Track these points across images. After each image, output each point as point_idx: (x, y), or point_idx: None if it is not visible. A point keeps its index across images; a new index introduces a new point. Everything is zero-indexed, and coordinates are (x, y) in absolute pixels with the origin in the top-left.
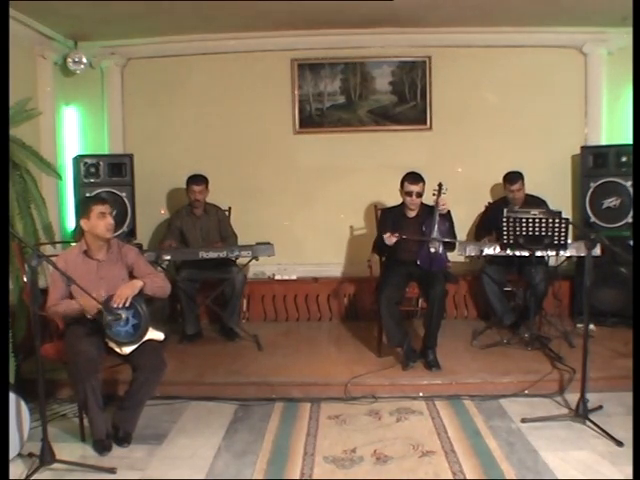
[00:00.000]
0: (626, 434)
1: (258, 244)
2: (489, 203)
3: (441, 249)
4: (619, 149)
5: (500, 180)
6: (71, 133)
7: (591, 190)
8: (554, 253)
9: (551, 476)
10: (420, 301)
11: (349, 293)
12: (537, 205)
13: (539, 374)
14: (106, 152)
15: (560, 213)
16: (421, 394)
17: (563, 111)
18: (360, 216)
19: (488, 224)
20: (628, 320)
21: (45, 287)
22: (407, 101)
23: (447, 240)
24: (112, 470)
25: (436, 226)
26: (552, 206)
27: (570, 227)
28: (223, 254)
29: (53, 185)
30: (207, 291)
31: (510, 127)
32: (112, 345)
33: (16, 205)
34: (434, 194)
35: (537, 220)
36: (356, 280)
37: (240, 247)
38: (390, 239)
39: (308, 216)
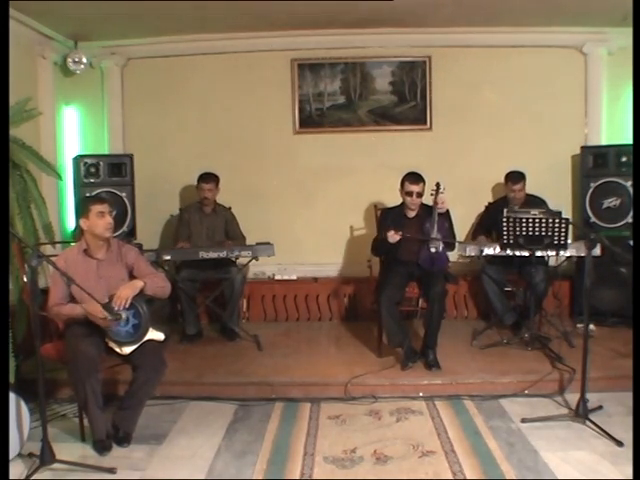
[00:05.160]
0: (626, 434)
1: (258, 244)
2: (489, 203)
3: (442, 248)
4: (619, 149)
5: (500, 180)
6: (71, 133)
7: (591, 190)
8: (554, 253)
9: (551, 476)
10: (420, 301)
11: (349, 293)
12: (537, 205)
13: (539, 374)
14: (106, 152)
15: (560, 213)
16: (421, 394)
17: (563, 111)
18: (360, 216)
19: (488, 224)
20: (628, 320)
21: (45, 287)
22: (407, 101)
23: (447, 240)
24: (112, 470)
25: (436, 226)
26: (552, 206)
27: (570, 227)
28: (223, 254)
29: (53, 185)
30: (207, 291)
31: (510, 127)
32: (112, 345)
33: (16, 205)
34: (432, 194)
35: (537, 220)
36: (356, 280)
37: (240, 247)
38: (394, 237)
39: (308, 216)
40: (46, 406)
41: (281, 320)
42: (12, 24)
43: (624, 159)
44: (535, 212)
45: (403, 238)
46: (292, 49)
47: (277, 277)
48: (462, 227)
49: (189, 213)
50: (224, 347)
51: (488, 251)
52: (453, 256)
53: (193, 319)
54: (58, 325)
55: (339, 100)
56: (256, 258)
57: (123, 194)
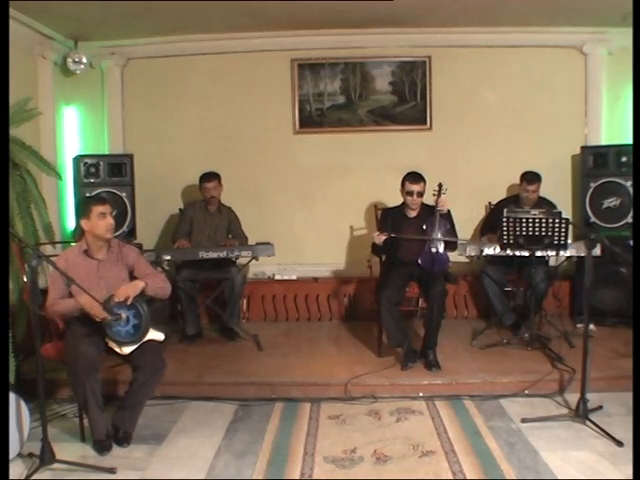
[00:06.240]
0: (626, 434)
1: (258, 244)
2: (490, 203)
3: (442, 249)
4: (619, 149)
5: (501, 179)
6: (71, 133)
7: (591, 190)
8: (554, 253)
9: (551, 476)
10: (420, 301)
11: (349, 293)
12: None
13: (539, 374)
14: (106, 152)
15: (560, 213)
16: (421, 394)
17: (563, 111)
18: (360, 216)
19: (495, 223)
20: (628, 320)
21: (45, 287)
22: (407, 101)
23: (448, 240)
24: (112, 470)
25: (437, 226)
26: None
27: (570, 227)
28: (223, 254)
29: (53, 185)
30: (207, 291)
31: (510, 127)
32: (112, 345)
33: (16, 205)
34: (434, 194)
35: (537, 220)
36: (356, 280)
37: (240, 247)
38: (379, 238)
39: (308, 216)
40: (46, 406)
41: (281, 320)
42: (12, 24)
43: (624, 159)
44: (535, 212)
45: (400, 239)
46: (292, 49)
47: (277, 277)
48: (462, 227)
49: (194, 210)
50: (224, 347)
51: (488, 251)
52: (453, 256)
53: (193, 319)
54: (58, 325)
55: (339, 100)
56: (256, 258)
57: (123, 194)
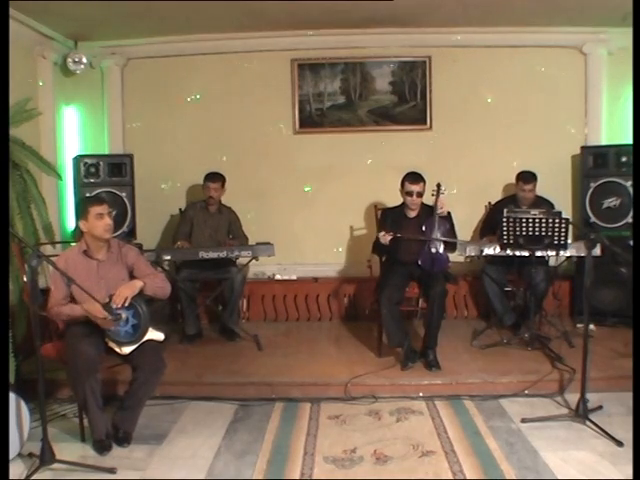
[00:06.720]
0: (626, 434)
1: (258, 244)
2: (490, 203)
3: (442, 249)
4: (619, 149)
5: (501, 179)
6: (71, 133)
7: (591, 190)
8: (554, 253)
9: (551, 476)
10: (420, 301)
11: (349, 293)
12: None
13: (539, 374)
14: (106, 152)
15: (560, 213)
16: (421, 394)
17: (563, 111)
18: (360, 216)
19: (493, 222)
20: (628, 320)
21: (45, 287)
22: (407, 101)
23: (448, 240)
24: (112, 470)
25: (436, 226)
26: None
27: (570, 227)
28: (223, 254)
29: (53, 185)
30: (207, 291)
31: (510, 127)
32: (112, 345)
33: (16, 205)
34: (433, 194)
35: (537, 220)
36: (356, 280)
37: (240, 247)
38: (385, 238)
39: (308, 216)
40: (46, 406)
41: (281, 320)
42: (12, 24)
43: (624, 159)
44: (535, 212)
45: (403, 239)
46: (292, 49)
47: (277, 277)
48: (462, 227)
49: (194, 210)
50: (224, 347)
51: (488, 251)
52: (453, 256)
53: (193, 319)
54: (58, 325)
55: (339, 100)
56: (256, 258)
57: (123, 194)
